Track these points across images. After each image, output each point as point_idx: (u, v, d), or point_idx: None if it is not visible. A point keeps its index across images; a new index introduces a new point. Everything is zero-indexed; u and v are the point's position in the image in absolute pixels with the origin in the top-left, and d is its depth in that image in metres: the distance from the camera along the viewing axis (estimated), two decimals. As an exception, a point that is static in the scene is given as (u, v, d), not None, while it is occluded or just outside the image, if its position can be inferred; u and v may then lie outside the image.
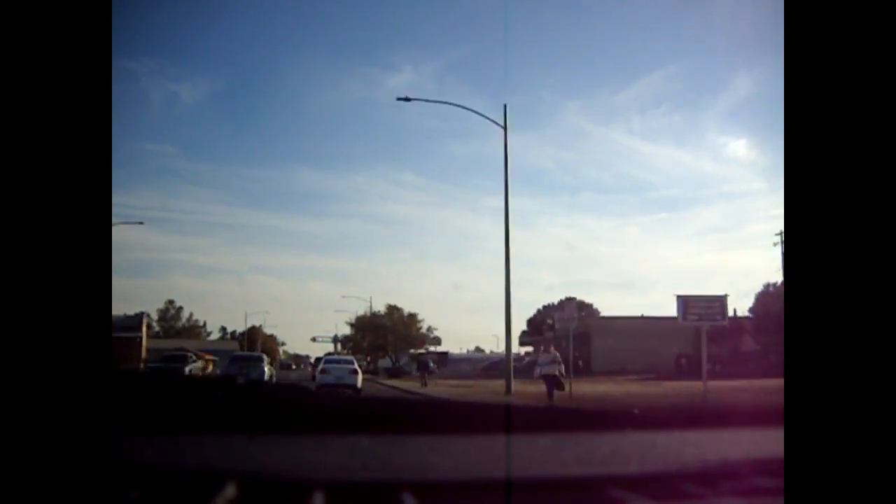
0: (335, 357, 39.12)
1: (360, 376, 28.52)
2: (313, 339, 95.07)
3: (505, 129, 28.79)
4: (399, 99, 30.96)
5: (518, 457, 1.80)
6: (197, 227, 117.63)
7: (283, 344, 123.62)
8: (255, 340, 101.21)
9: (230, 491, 1.42)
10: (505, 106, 28.92)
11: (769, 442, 1.82)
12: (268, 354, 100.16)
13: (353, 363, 31.39)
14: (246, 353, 57.26)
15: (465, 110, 31.96)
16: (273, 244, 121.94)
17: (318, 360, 45.51)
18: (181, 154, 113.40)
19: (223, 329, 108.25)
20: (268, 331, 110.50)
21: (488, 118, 29.37)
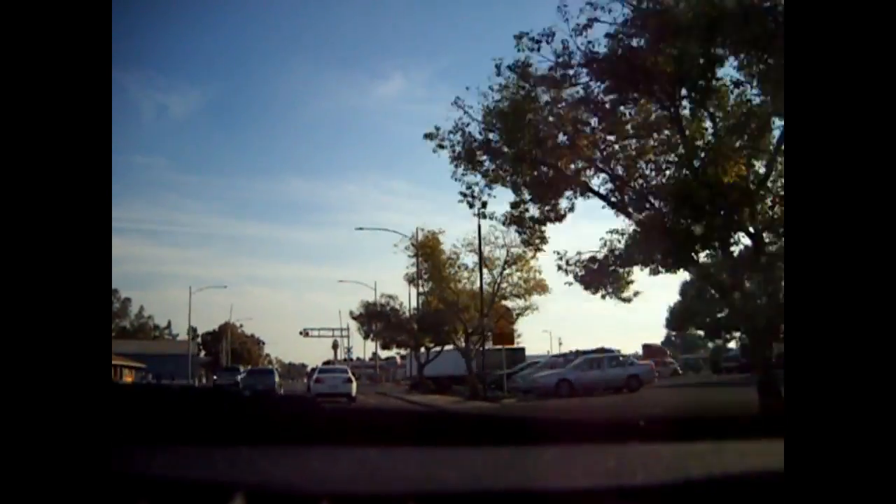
0: (329, 367, 40.42)
1: (354, 384, 30.16)
2: (304, 333, 70.12)
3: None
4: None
5: (524, 469, 1.80)
6: (190, 238, 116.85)
7: (261, 343, 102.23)
8: (223, 340, 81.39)
9: (238, 502, 1.43)
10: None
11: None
12: (246, 360, 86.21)
13: (346, 372, 32.82)
14: (259, 367, 63.85)
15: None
16: (267, 255, 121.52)
17: (313, 370, 46.19)
18: (173, 166, 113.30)
19: (192, 330, 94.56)
20: (248, 330, 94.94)
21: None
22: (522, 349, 47.67)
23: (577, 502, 1.51)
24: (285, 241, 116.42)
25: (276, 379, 39.12)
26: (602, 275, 18.13)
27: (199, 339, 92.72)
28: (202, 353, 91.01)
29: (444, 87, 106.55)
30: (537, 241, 20.01)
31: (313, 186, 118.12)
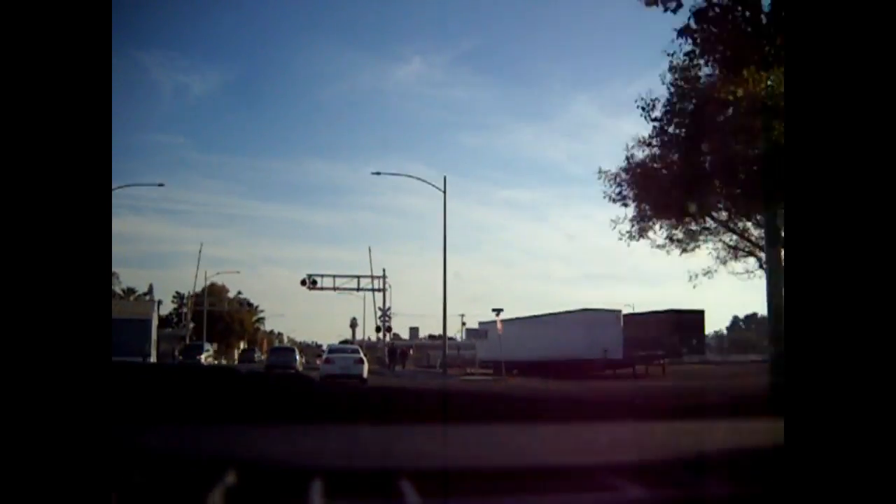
0: (340, 347, 38.23)
1: (365, 366, 28.25)
2: (308, 283, 39.54)
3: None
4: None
5: (516, 445, 1.81)
6: (209, 218, 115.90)
7: (256, 307, 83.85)
8: (202, 301, 54.69)
9: (231, 478, 1.44)
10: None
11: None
12: (237, 333, 67.85)
13: (357, 352, 31.24)
14: (282, 346, 56.80)
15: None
16: (285, 236, 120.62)
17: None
18: (192, 145, 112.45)
19: (177, 295, 74.18)
20: (238, 294, 74.88)
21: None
22: (701, 313, 25.16)
23: (568, 477, 1.53)
24: (304, 223, 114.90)
25: (298, 357, 39.14)
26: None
27: (187, 308, 73.08)
28: (189, 324, 72.60)
29: (463, 71, 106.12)
30: None
31: (332, 168, 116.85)
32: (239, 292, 73.22)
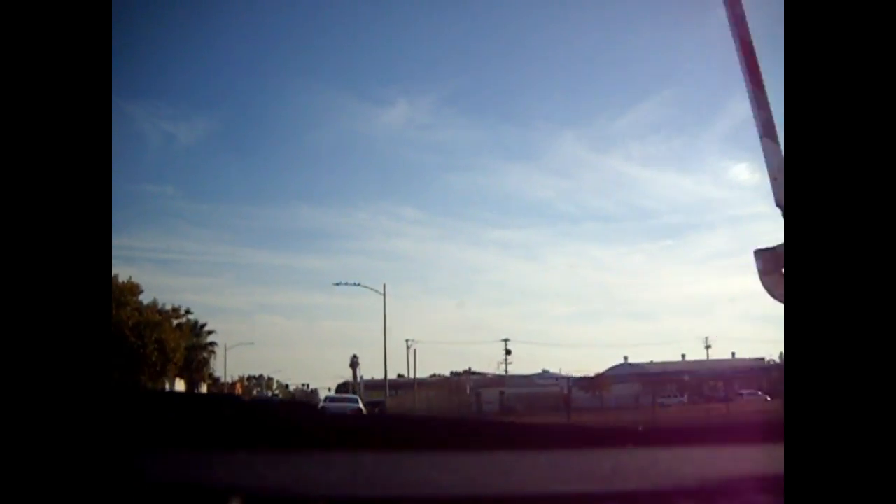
0: (336, 396, 35.62)
1: (360, 404, 30.18)
2: None
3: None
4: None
5: (519, 473, 1.81)
6: (202, 267, 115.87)
7: (198, 325, 55.41)
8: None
9: (235, 505, 1.44)
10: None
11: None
12: (152, 367, 39.17)
13: (357, 401, 31.99)
14: (265, 395, 46.82)
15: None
16: (279, 283, 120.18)
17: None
18: (181, 195, 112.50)
19: None
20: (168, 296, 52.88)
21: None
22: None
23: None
24: (297, 269, 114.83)
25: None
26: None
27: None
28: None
29: (448, 112, 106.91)
30: None
31: (322, 214, 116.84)
32: (188, 311, 46.10)
